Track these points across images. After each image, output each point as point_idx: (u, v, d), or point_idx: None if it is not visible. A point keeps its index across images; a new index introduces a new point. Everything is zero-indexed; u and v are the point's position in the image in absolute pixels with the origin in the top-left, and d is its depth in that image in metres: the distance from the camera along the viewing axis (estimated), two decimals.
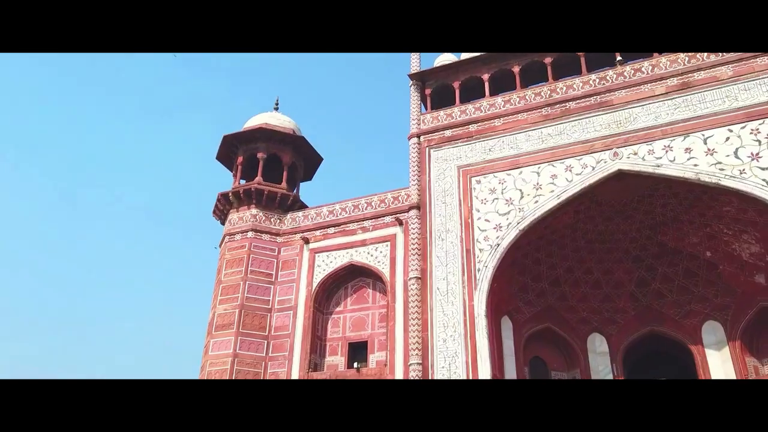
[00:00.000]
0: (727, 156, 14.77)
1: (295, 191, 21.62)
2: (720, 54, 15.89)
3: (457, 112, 19.27)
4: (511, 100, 18.51)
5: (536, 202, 16.72)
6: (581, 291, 18.29)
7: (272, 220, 20.62)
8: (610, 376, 17.60)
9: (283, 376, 18.05)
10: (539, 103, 17.94)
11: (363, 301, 19.13)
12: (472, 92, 19.73)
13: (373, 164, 56.43)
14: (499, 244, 16.74)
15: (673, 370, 17.30)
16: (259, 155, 21.27)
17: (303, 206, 21.25)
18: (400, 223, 18.62)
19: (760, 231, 15.11)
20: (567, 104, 17.53)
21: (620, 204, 17.03)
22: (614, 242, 17.74)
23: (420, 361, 16.00)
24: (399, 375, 16.45)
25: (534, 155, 17.35)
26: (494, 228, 16.99)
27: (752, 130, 14.77)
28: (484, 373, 15.31)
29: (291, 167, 21.72)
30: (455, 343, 16.06)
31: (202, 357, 18.90)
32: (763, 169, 14.27)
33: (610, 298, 18.19)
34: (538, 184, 16.91)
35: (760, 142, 14.57)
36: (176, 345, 50.66)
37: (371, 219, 19.34)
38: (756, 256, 15.68)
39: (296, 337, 18.62)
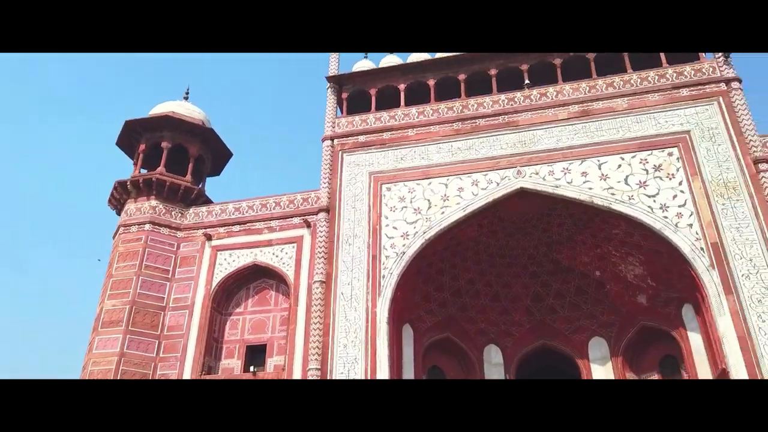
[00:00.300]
0: (619, 182, 15.85)
1: (200, 185, 20.77)
2: (617, 87, 17.09)
3: (372, 119, 19.37)
4: (425, 112, 18.88)
5: (443, 213, 17.10)
6: (481, 303, 18.84)
7: (173, 213, 19.66)
8: None
9: (173, 378, 17.17)
10: (451, 118, 18.42)
11: (265, 303, 18.63)
12: (388, 100, 19.90)
13: (285, 164, 55.55)
14: (405, 252, 16.93)
15: None
16: (164, 144, 20.26)
17: (208, 201, 20.46)
18: (308, 226, 18.37)
19: (644, 254, 16.27)
20: (477, 121, 18.12)
21: (521, 221, 17.77)
22: (514, 257, 18.46)
23: (319, 366, 15.78)
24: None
25: (444, 167, 17.76)
26: (401, 236, 17.18)
27: (641, 159, 15.94)
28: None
29: (198, 160, 20.85)
30: (356, 349, 16.00)
31: (85, 355, 17.60)
32: (649, 196, 15.43)
33: (507, 311, 18.87)
34: (445, 195, 17.30)
35: (647, 171, 15.75)
36: (60, 342, 47.01)
37: (279, 219, 18.93)
38: (639, 278, 16.87)
39: (191, 338, 17.79)
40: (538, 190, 16.57)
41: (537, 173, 16.73)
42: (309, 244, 18.15)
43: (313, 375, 15.65)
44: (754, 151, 14.97)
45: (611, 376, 17.23)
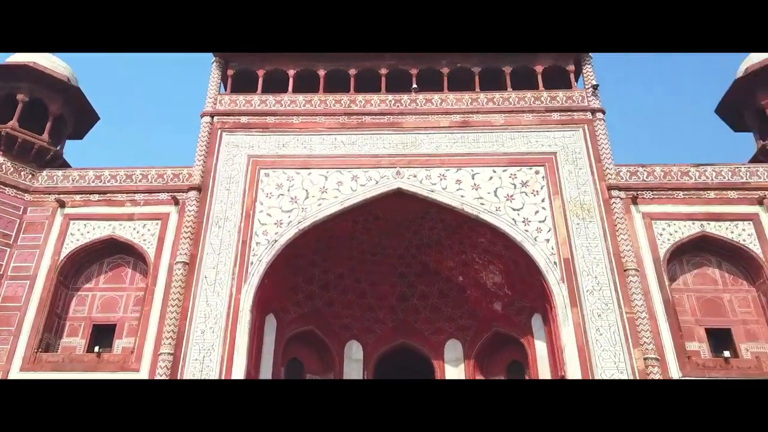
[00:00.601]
0: (489, 193, 16.58)
1: (58, 147, 18.88)
2: (497, 103, 17.90)
3: (257, 101, 18.76)
4: (312, 102, 18.60)
5: (320, 205, 16.91)
6: (348, 298, 18.89)
7: (23, 173, 17.72)
8: None
9: (2, 355, 15.45)
10: (338, 111, 18.31)
11: (119, 280, 17.31)
12: (275, 84, 19.35)
13: (160, 138, 52.06)
14: (277, 241, 16.54)
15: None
16: (20, 97, 18.17)
17: (65, 165, 18.70)
18: (177, 203, 17.35)
19: (504, 264, 17.16)
20: (363, 117, 18.16)
21: (395, 221, 18.03)
22: (385, 256, 18.69)
23: (172, 351, 14.95)
24: (146, 363, 15.12)
25: (325, 159, 17.59)
26: (275, 223, 16.76)
27: (511, 174, 16.80)
28: (239, 369, 14.88)
29: (58, 119, 18.92)
30: (214, 336, 15.36)
31: None
32: (514, 209, 16.28)
33: (372, 309, 19.06)
34: (324, 187, 17.14)
35: (515, 186, 16.62)
36: None
37: (144, 193, 17.69)
38: (497, 286, 17.77)
39: (29, 311, 16.10)
40: (415, 192, 16.90)
41: (415, 176, 17.07)
42: (175, 222, 17.14)
43: (164, 360, 14.80)
44: (609, 178, 16.31)
45: (462, 377, 17.98)
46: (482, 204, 16.43)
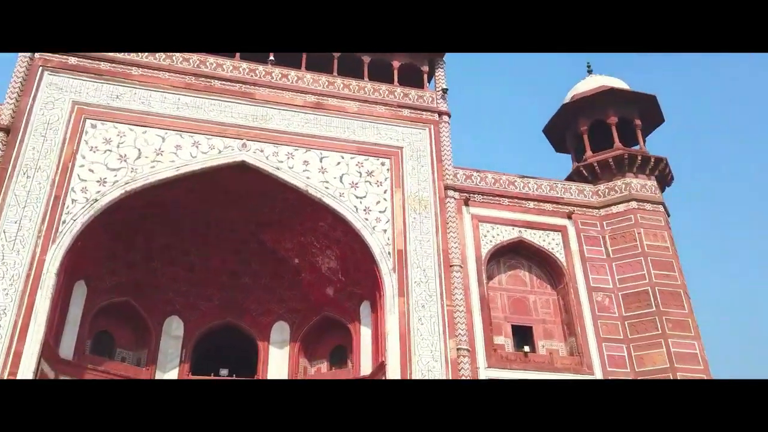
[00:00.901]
0: (335, 178, 16.59)
1: None
2: (352, 90, 17.99)
3: None
4: (157, 56, 17.09)
5: (153, 167, 15.62)
6: (173, 271, 17.72)
7: None
8: (177, 361, 17.32)
9: None
10: (185, 70, 17.07)
11: None
12: None
13: None
14: (98, 200, 14.95)
15: (239, 362, 18.09)
16: None
17: None
18: None
19: (341, 250, 17.31)
20: (213, 81, 17.13)
21: (235, 195, 17.26)
22: (220, 230, 17.83)
23: None
24: None
25: (165, 119, 16.29)
26: (98, 181, 15.15)
27: (358, 163, 16.99)
28: (35, 338, 13.24)
29: None
30: (8, 299, 13.47)
31: None
32: (357, 197, 16.49)
33: (200, 284, 18.08)
34: (160, 149, 15.86)
35: (361, 174, 16.84)
36: None
37: None
38: (332, 271, 17.87)
39: None
40: (260, 167, 16.34)
41: (262, 151, 16.50)
42: None
43: None
44: (447, 179, 17.24)
45: (286, 360, 17.83)
46: (327, 188, 16.40)
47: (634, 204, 17.66)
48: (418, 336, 15.09)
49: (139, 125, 16.03)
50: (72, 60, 16.37)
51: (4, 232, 14.07)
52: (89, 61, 16.46)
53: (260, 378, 17.45)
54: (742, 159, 52.95)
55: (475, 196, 17.37)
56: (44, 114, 15.59)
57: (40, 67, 16.06)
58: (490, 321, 15.99)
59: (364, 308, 17.35)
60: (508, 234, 17.16)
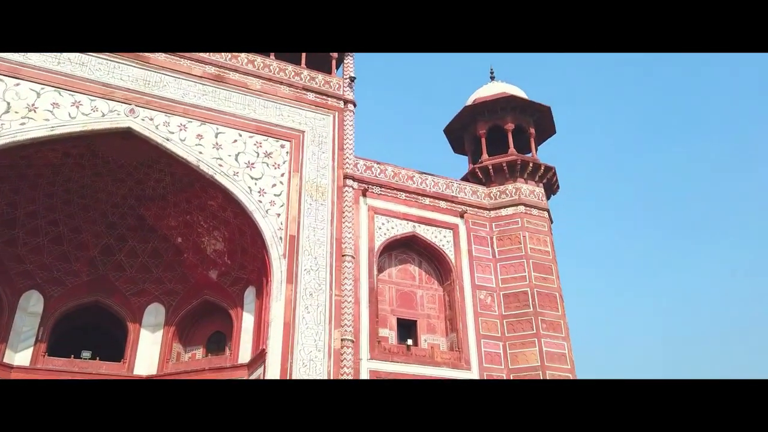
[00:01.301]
0: (230, 156, 15.81)
1: None
2: (257, 66, 17.25)
3: None
4: None
5: (23, 124, 14.02)
6: (38, 242, 16.06)
7: None
8: (32, 340, 15.70)
9: None
10: None
11: None
12: None
13: None
14: None
15: (105, 344, 16.77)
16: None
17: None
18: None
19: (230, 232, 16.55)
20: None
21: (116, 164, 15.98)
22: (95, 201, 16.42)
23: None
24: None
25: (42, 73, 14.67)
26: None
27: (257, 142, 16.31)
28: None
29: None
30: None
31: None
32: (252, 178, 15.82)
33: (67, 258, 16.54)
34: (33, 105, 14.27)
35: (258, 154, 16.18)
36: None
37: None
38: (217, 254, 17.04)
39: None
40: (148, 136, 15.17)
41: (152, 119, 15.34)
42: None
43: None
44: (347, 167, 17.02)
45: (158, 344, 16.77)
46: (221, 165, 15.58)
47: (522, 208, 18.44)
48: (303, 325, 14.73)
49: (12, 76, 14.33)
50: None
51: None
52: None
53: (127, 361, 16.25)
54: (619, 172, 57.64)
55: (374, 187, 17.30)
56: None
57: None
58: (377, 313, 15.97)
59: (249, 294, 16.72)
60: (402, 228, 17.26)
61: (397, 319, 16.70)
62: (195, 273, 17.26)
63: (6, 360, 14.98)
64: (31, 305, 15.97)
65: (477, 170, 19.30)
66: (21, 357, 15.32)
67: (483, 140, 19.78)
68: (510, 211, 18.49)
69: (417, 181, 18.15)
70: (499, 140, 20.04)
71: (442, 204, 18.15)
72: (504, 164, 18.95)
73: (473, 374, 16.13)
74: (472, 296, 17.17)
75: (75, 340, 16.27)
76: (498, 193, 18.91)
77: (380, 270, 16.88)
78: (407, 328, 16.78)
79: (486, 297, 17.30)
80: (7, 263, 15.69)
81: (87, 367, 15.71)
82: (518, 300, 17.16)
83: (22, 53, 14.61)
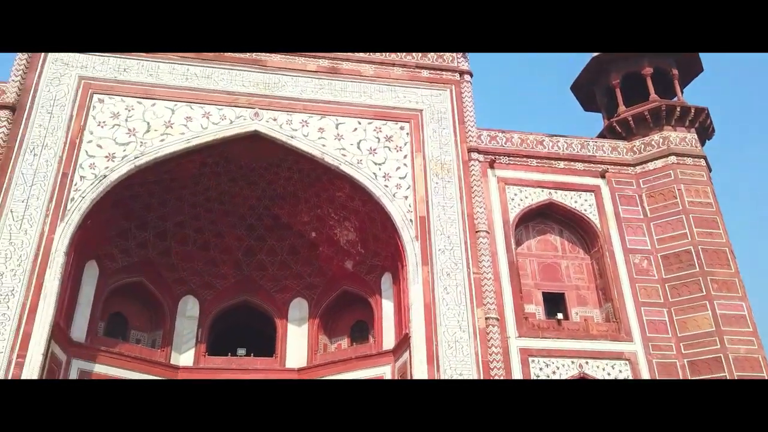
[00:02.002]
0: (351, 145, 15.78)
1: None
2: (368, 53, 17.08)
3: None
4: None
5: (163, 140, 15.02)
6: (187, 250, 17.15)
7: None
8: (193, 341, 16.82)
9: None
10: None
11: None
12: None
13: None
14: (106, 176, 14.42)
15: (257, 341, 17.54)
16: None
17: None
18: None
19: (360, 221, 16.52)
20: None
21: (248, 168, 16.60)
22: (233, 206, 17.20)
23: None
24: None
25: (174, 90, 15.67)
26: (106, 157, 14.61)
27: (376, 128, 16.14)
28: (44, 319, 12.76)
29: None
30: (15, 280, 13.01)
31: None
32: (376, 163, 15.66)
33: (214, 263, 17.51)
34: (169, 122, 15.24)
35: (379, 139, 15.99)
36: None
37: None
38: (350, 244, 17.11)
39: None
40: (273, 137, 15.60)
41: (275, 119, 15.76)
42: None
43: None
44: (470, 141, 16.28)
45: (304, 337, 17.20)
46: (344, 155, 15.59)
47: (673, 159, 16.45)
48: (444, 306, 14.25)
49: (148, 98, 15.44)
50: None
51: (12, 211, 13.65)
52: None
53: (278, 356, 16.86)
54: None
55: (501, 158, 16.37)
56: (50, 90, 15.12)
57: None
58: (520, 288, 15.05)
59: (386, 281, 16.58)
60: (536, 196, 16.15)
61: (543, 293, 15.64)
62: (331, 265, 17.47)
63: (172, 361, 16.17)
64: (189, 309, 17.12)
65: (614, 124, 17.56)
66: (185, 358, 16.45)
67: (617, 91, 17.96)
68: (659, 163, 16.58)
69: (547, 145, 16.90)
70: (635, 89, 18.10)
71: (579, 166, 16.73)
72: (646, 113, 17.04)
73: (636, 345, 14.65)
74: (624, 262, 15.61)
75: (230, 339, 17.19)
76: (642, 146, 17.05)
77: (518, 243, 15.93)
78: (554, 302, 15.65)
79: (641, 261, 15.64)
80: (163, 272, 16.94)
81: (244, 364, 16.51)
82: (680, 261, 15.30)
83: (154, 77, 15.74)
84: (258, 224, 17.46)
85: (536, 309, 15.30)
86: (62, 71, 15.41)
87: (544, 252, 16.17)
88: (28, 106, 14.78)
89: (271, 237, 17.54)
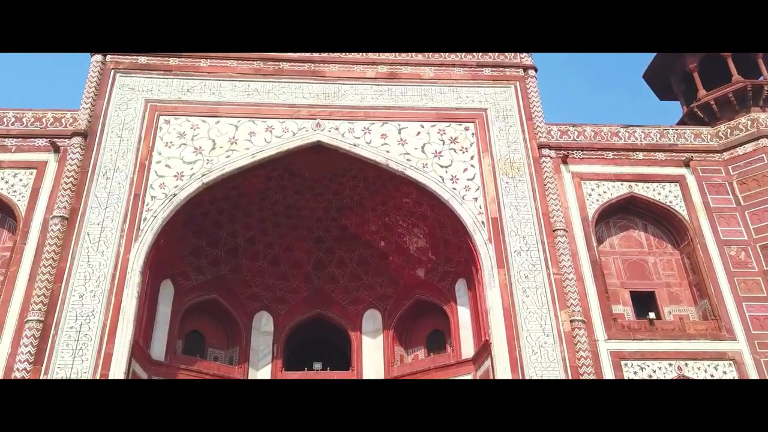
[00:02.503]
0: (416, 149, 15.37)
1: None
2: (426, 56, 16.71)
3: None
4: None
5: (228, 156, 15.05)
6: (258, 265, 17.09)
7: None
8: (269, 357, 16.65)
9: None
10: (253, 56, 16.44)
11: None
12: None
13: (48, 81, 46.10)
14: (176, 195, 14.53)
15: (332, 355, 17.23)
16: None
17: None
18: (57, 150, 14.94)
19: (429, 226, 16.03)
20: (281, 64, 16.42)
21: (313, 179, 16.45)
22: (300, 219, 17.06)
23: (42, 318, 12.69)
24: (8, 333, 12.73)
25: (236, 107, 15.73)
26: (175, 176, 14.74)
27: (440, 130, 15.68)
28: (124, 338, 12.82)
29: None
30: (95, 300, 13.18)
31: None
32: (442, 166, 15.17)
33: (285, 277, 17.38)
34: (234, 138, 15.28)
35: (444, 142, 15.52)
36: None
37: (17, 138, 15.15)
38: (421, 251, 16.62)
39: None
40: (336, 146, 15.40)
41: (337, 129, 15.56)
42: (54, 171, 14.76)
43: (31, 327, 12.50)
44: (540, 137, 15.56)
45: (380, 349, 16.74)
46: (408, 160, 15.19)
47: (764, 141, 15.18)
48: (525, 310, 13.50)
49: (212, 116, 15.56)
50: (142, 59, 16.20)
51: (88, 234, 13.91)
52: (159, 58, 16.23)
53: (354, 369, 16.45)
54: None
55: (574, 152, 15.56)
56: (119, 115, 15.47)
57: (112, 70, 15.99)
58: (605, 288, 14.11)
59: (460, 287, 15.96)
60: (616, 190, 15.21)
61: (630, 292, 14.62)
62: (403, 274, 17.01)
63: (250, 377, 16.03)
64: (263, 325, 17.00)
65: (695, 110, 16.44)
66: (262, 374, 16.29)
67: (696, 75, 16.83)
68: (749, 147, 15.35)
69: (623, 136, 15.96)
70: (714, 72, 16.91)
71: (660, 156, 15.69)
72: (730, 95, 15.86)
73: (740, 344, 13.45)
74: (719, 254, 14.44)
75: (305, 353, 16.95)
76: (728, 130, 15.85)
77: (599, 241, 15.01)
78: (643, 302, 14.60)
79: (738, 253, 14.42)
80: (237, 289, 16.91)
81: (320, 378, 16.17)
82: None
83: (216, 95, 15.88)
84: (326, 236, 17.24)
85: (624, 309, 14.31)
86: (129, 96, 15.76)
87: (628, 249, 15.18)
88: (98, 132, 15.15)
89: (339, 248, 17.26)
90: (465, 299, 15.69)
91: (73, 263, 13.51)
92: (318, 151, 15.59)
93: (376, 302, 17.31)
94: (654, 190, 15.28)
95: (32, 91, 44.83)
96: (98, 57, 16.03)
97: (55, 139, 15.00)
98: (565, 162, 15.38)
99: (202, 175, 14.78)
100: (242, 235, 16.70)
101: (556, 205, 14.65)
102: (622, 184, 15.29)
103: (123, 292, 13.32)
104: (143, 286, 13.76)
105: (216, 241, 16.40)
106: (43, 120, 15.45)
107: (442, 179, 15.02)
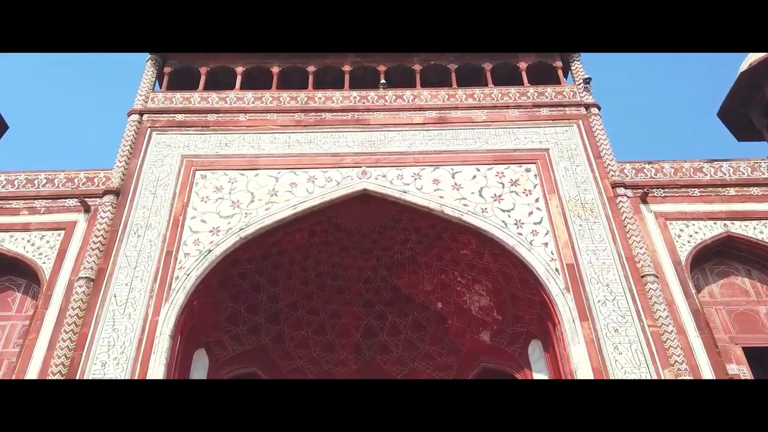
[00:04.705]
0: (472, 193, 13.84)
1: None
2: (477, 99, 15.64)
3: (197, 98, 15.95)
4: (263, 98, 15.92)
5: (268, 209, 13.78)
6: (302, 334, 15.31)
7: None
8: None
9: None
10: (293, 108, 15.64)
11: (5, 308, 13.47)
12: (221, 84, 16.75)
13: (86, 141, 46.82)
14: (211, 251, 13.16)
15: None
16: None
17: None
18: (87, 210, 13.92)
19: (492, 281, 14.15)
20: (323, 114, 15.51)
21: (360, 234, 14.96)
22: (347, 280, 15.41)
23: None
24: None
25: (276, 159, 14.68)
26: (210, 231, 13.46)
27: (498, 173, 14.21)
28: None
29: None
30: (119, 368, 11.55)
31: None
32: (503, 210, 13.54)
33: (333, 347, 15.49)
34: (274, 190, 14.09)
35: (503, 185, 13.99)
36: None
37: (47, 199, 14.25)
38: (484, 311, 14.62)
39: None
40: (384, 193, 14.00)
41: (384, 176, 14.25)
42: (83, 231, 13.64)
43: None
44: (612, 175, 13.90)
45: None
46: (465, 205, 13.62)
47: None
48: (618, 368, 11.23)
49: (250, 169, 14.50)
50: (179, 116, 15.56)
51: (115, 296, 12.52)
52: (196, 115, 15.57)
53: None
54: None
55: (655, 190, 13.76)
56: (153, 172, 14.55)
57: (149, 128, 15.32)
58: (714, 342, 11.76)
59: (534, 350, 13.75)
60: (709, 230, 13.18)
61: (743, 348, 12.18)
62: (464, 339, 14.92)
63: None
64: None
65: None
66: None
67: None
68: None
69: (709, 172, 14.14)
70: None
71: (755, 191, 13.73)
72: None
73: None
74: None
75: None
76: None
77: (697, 290, 12.79)
78: (759, 359, 12.11)
79: None
80: (279, 362, 15.04)
81: None
82: None
83: (255, 148, 14.92)
84: (376, 299, 15.46)
85: (740, 369, 11.81)
86: (165, 153, 14.92)
87: (732, 298, 12.89)
88: (131, 189, 14.17)
89: (391, 313, 15.40)
90: (541, 363, 13.42)
91: (96, 328, 12.03)
92: (364, 201, 14.21)
93: (436, 374, 15.10)
94: (755, 228, 13.21)
95: (66, 154, 45.65)
96: (135, 116, 15.46)
97: (86, 198, 14.06)
98: (644, 201, 13.57)
99: (240, 229, 13.46)
100: (284, 299, 15.08)
101: (640, 248, 12.69)
102: (715, 223, 13.28)
103: (150, 358, 11.65)
104: (173, 353, 12.09)
105: (255, 306, 14.79)
106: (75, 180, 14.63)
107: (505, 224, 13.32)
